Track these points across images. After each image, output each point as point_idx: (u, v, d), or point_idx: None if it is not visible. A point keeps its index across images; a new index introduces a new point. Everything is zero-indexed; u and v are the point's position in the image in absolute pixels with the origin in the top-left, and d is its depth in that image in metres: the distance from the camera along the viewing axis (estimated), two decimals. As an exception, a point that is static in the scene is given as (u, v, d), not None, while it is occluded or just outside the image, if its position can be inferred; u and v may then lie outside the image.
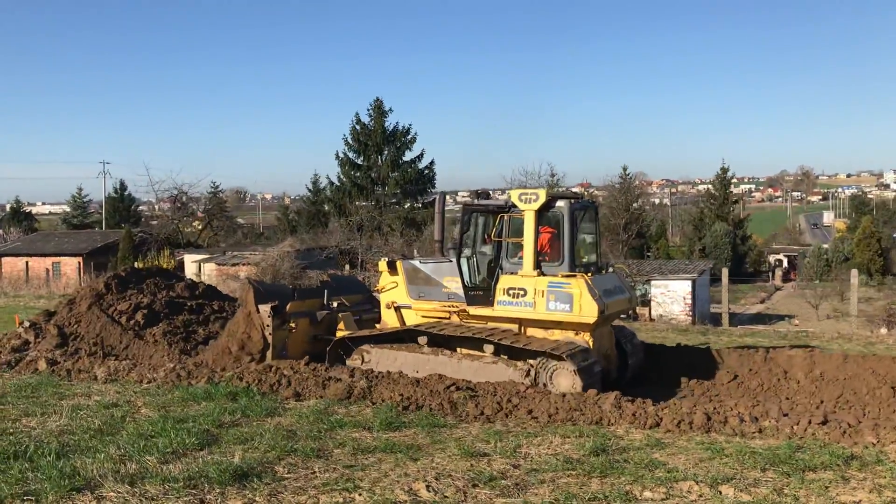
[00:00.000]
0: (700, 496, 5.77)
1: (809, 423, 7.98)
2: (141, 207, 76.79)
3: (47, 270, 36.44)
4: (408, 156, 44.55)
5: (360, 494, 5.76)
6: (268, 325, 11.54)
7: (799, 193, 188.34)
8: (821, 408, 10.30)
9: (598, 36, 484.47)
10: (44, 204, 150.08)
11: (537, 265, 10.76)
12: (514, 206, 11.08)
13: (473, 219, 11.70)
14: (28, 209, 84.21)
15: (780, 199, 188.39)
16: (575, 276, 10.55)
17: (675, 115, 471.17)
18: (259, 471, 6.28)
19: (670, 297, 28.55)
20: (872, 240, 54.32)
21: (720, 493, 5.84)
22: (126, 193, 73.36)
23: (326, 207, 66.65)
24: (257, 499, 5.65)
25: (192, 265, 24.71)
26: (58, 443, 6.94)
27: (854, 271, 19.02)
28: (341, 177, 43.94)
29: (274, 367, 10.77)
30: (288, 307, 11.92)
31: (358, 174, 43.11)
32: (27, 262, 37.18)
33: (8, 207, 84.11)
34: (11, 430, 7.55)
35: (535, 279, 10.65)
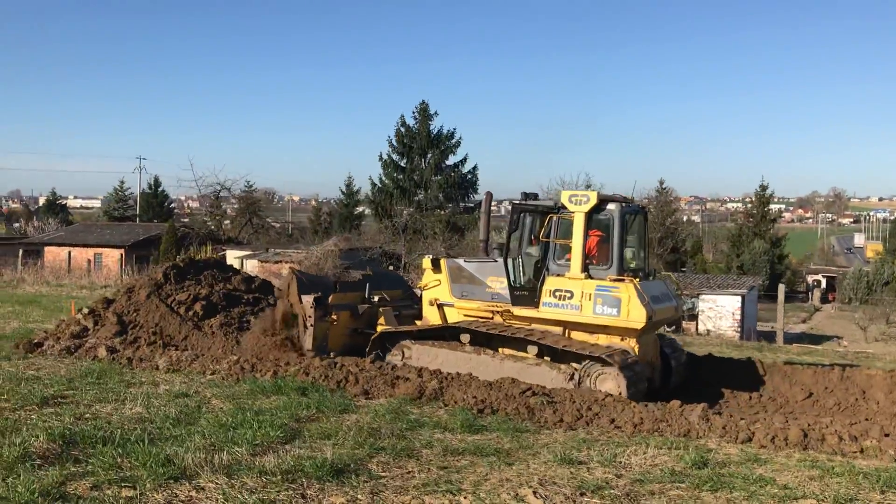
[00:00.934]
0: (825, 516, 5.42)
1: (916, 444, 7.59)
2: (172, 205, 77.37)
3: (89, 261, 36.56)
4: (451, 160, 44.37)
5: (464, 497, 5.48)
6: (310, 316, 11.48)
7: (830, 215, 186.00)
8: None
9: (638, 50, 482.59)
10: (76, 198, 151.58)
11: (585, 268, 10.60)
12: (564, 207, 10.91)
13: (522, 219, 11.54)
14: (62, 202, 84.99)
15: (811, 219, 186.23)
16: (623, 280, 10.34)
17: (706, 132, 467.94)
18: (353, 468, 6.03)
19: (718, 311, 28.06)
20: (915, 263, 53.21)
21: (844, 514, 5.50)
22: (160, 189, 73.92)
23: (360, 209, 66.85)
24: (359, 497, 5.39)
25: (235, 261, 24.57)
26: (140, 430, 6.72)
27: (917, 293, 18.46)
28: (383, 178, 43.80)
29: (339, 363, 10.57)
30: (330, 299, 11.84)
31: (401, 176, 42.91)
32: (70, 252, 37.38)
33: (42, 200, 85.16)
34: (88, 416, 7.36)
35: (583, 282, 10.49)
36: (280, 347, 11.55)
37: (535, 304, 10.82)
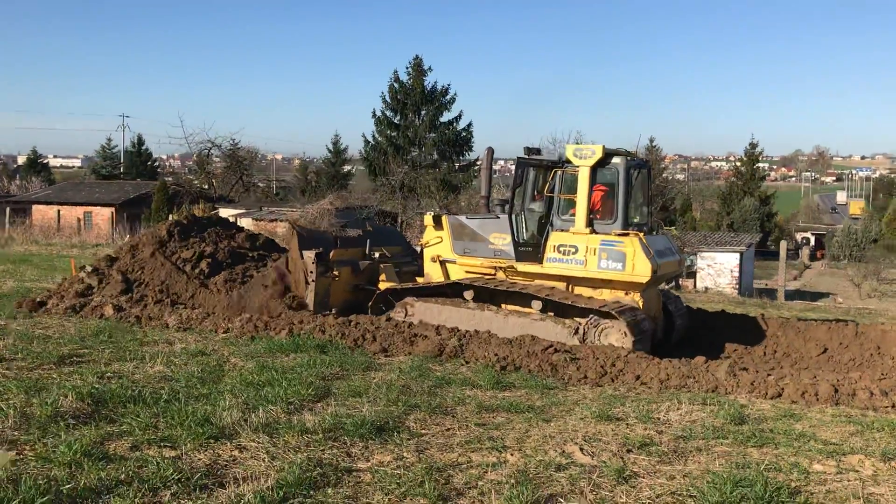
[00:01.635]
0: (877, 470, 5.34)
1: (947, 398, 7.54)
2: (155, 163, 76.46)
3: (79, 220, 35.99)
4: (445, 117, 43.53)
5: (511, 454, 5.36)
6: (311, 272, 11.35)
7: (813, 174, 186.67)
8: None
9: (629, 11, 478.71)
10: (55, 157, 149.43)
11: (589, 223, 10.53)
12: (569, 161, 10.78)
13: (525, 174, 11.38)
14: (44, 161, 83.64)
15: (794, 178, 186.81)
16: (628, 234, 10.27)
17: (690, 91, 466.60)
18: (392, 425, 5.89)
19: (717, 269, 28.05)
20: (902, 221, 53.54)
21: (895, 468, 5.42)
22: (144, 148, 72.96)
23: (347, 168, 66.22)
24: (405, 454, 5.25)
25: (224, 218, 24.26)
26: (168, 389, 6.54)
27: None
28: (376, 136, 43.14)
29: (354, 321, 10.43)
30: (332, 255, 11.72)
31: (394, 134, 42.24)
32: (59, 211, 36.75)
33: (21, 159, 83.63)
34: (110, 374, 7.16)
35: (588, 237, 10.42)
36: (280, 304, 11.42)
37: (540, 260, 10.75)
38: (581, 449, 5.52)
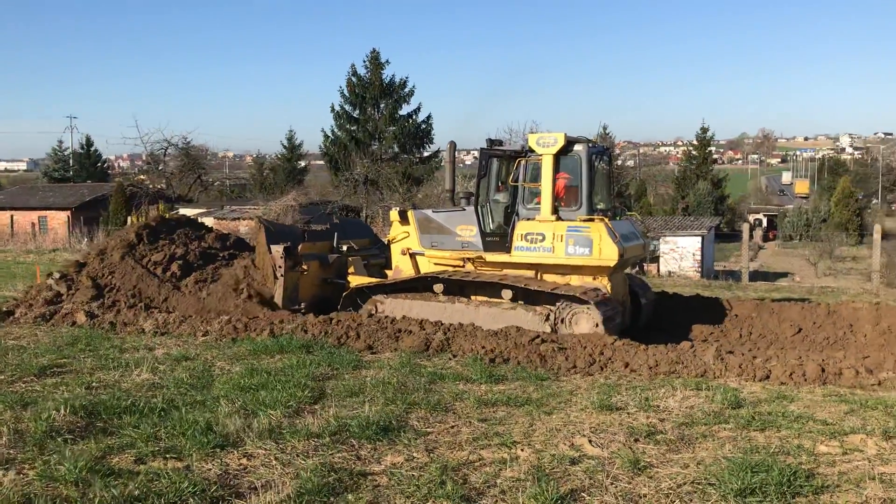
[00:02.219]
0: (881, 450, 5.42)
1: (930, 374, 7.70)
2: (106, 164, 74.88)
3: (33, 224, 35.01)
4: (405, 110, 43.44)
5: (521, 450, 5.32)
6: (280, 266, 11.25)
7: (758, 156, 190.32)
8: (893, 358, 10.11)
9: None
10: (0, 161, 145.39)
11: (555, 210, 10.65)
12: (532, 150, 10.88)
13: (489, 165, 11.43)
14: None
15: (741, 160, 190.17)
16: (594, 220, 10.42)
17: (638, 78, 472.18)
18: (396, 425, 5.81)
19: (680, 252, 28.39)
20: (851, 200, 54.86)
21: (898, 446, 5.50)
22: (93, 149, 71.39)
23: (303, 163, 65.59)
24: (416, 455, 5.19)
25: (191, 217, 23.80)
26: (162, 397, 6.38)
27: (878, 227, 18.85)
28: (336, 130, 42.74)
29: (335, 318, 10.31)
30: (300, 248, 11.64)
31: (354, 128, 41.89)
32: (12, 216, 35.68)
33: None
34: (97, 385, 6.96)
35: (554, 224, 10.53)
36: (247, 301, 11.31)
37: (507, 249, 10.82)
38: (590, 441, 5.51)
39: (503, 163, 11.47)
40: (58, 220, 35.16)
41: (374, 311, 11.14)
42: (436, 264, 11.51)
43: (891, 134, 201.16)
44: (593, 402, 6.60)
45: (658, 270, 27.10)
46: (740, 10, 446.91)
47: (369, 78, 42.37)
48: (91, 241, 26.99)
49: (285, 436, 5.41)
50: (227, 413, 5.82)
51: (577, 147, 10.72)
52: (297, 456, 5.04)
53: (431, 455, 5.20)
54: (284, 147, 64.66)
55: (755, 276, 31.36)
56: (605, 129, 63.90)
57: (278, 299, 11.28)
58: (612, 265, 10.27)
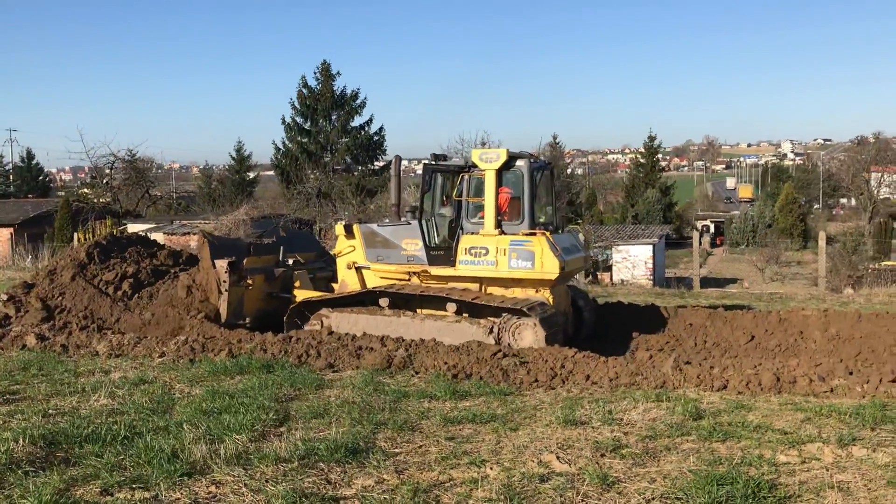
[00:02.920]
0: (837, 457, 5.57)
1: (881, 381, 7.93)
2: (48, 178, 73.33)
3: (-25, 243, 34.02)
4: (357, 121, 43.35)
5: (491, 468, 5.36)
6: (224, 281, 11.21)
7: (704, 162, 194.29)
8: (843, 365, 10.40)
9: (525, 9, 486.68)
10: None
11: (498, 224, 10.86)
12: (475, 165, 11.09)
13: (433, 180, 11.61)
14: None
15: (686, 167, 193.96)
16: (535, 234, 10.64)
17: (585, 87, 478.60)
18: (364, 447, 5.80)
19: (632, 261, 28.84)
20: (794, 206, 56.29)
21: (852, 454, 5.67)
22: (34, 163, 69.78)
23: (251, 174, 64.91)
24: (386, 477, 5.18)
25: (140, 234, 23.38)
26: (122, 424, 6.25)
27: (822, 234, 19.44)
28: (287, 142, 42.42)
29: (295, 336, 10.25)
30: (245, 262, 11.62)
31: (306, 140, 41.67)
32: (-49, 234, 34.61)
33: None
34: (54, 412, 6.80)
35: (497, 238, 10.74)
36: (189, 318, 11.23)
37: (452, 263, 10.99)
38: (557, 457, 5.56)
39: (447, 177, 11.65)
40: (1, 237, 34.22)
41: (320, 327, 11.13)
42: (381, 278, 11.56)
43: (830, 140, 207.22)
44: (558, 417, 6.67)
45: (611, 279, 27.49)
46: (684, 18, 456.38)
47: (320, 90, 42.23)
48: (36, 258, 26.32)
49: (253, 461, 5.36)
50: (192, 439, 5.74)
51: (519, 162, 10.98)
52: (267, 482, 4.99)
53: (401, 476, 5.20)
54: (233, 158, 63.94)
55: (705, 282, 31.98)
56: (554, 138, 64.73)
57: (223, 314, 11.24)
58: (553, 278, 10.52)
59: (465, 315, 10.68)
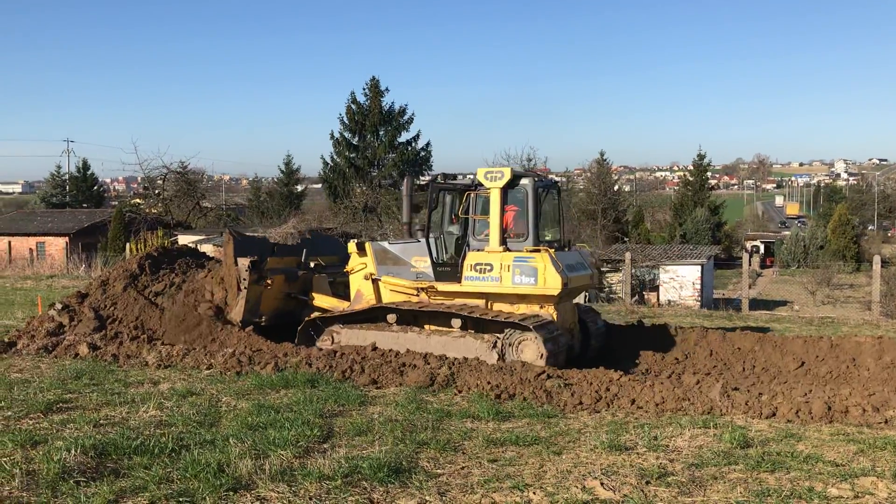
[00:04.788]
0: (892, 493, 5.42)
1: (937, 412, 7.69)
2: (102, 188, 75.11)
3: (31, 250, 34.96)
4: (404, 137, 43.94)
5: (533, 493, 5.32)
6: (244, 279, 11.48)
7: (754, 181, 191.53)
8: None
9: (582, 26, 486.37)
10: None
11: (503, 241, 11.05)
12: (481, 184, 11.29)
13: (441, 198, 11.85)
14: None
15: (736, 186, 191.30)
16: (539, 250, 10.80)
17: (634, 102, 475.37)
18: (407, 466, 5.81)
19: (679, 282, 28.48)
20: (847, 227, 55.07)
21: (909, 489, 5.50)
22: (90, 173, 71.52)
23: (300, 188, 65.70)
24: (429, 498, 5.18)
25: (190, 246, 23.79)
26: (170, 436, 6.36)
27: (877, 257, 18.95)
28: (335, 157, 43.00)
29: (339, 352, 10.32)
30: (267, 262, 11.86)
31: (353, 155, 42.19)
32: (10, 242, 35.67)
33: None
34: (104, 422, 6.95)
35: (501, 255, 10.94)
36: (205, 318, 11.60)
37: (458, 279, 11.16)
38: (602, 483, 5.50)
39: (455, 196, 11.84)
40: (55, 245, 35.17)
41: (331, 342, 11.35)
42: (392, 291, 11.78)
43: (885, 160, 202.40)
44: (602, 442, 6.60)
45: (658, 300, 27.15)
46: (737, 35, 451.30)
47: (369, 105, 42.70)
48: (89, 267, 26.94)
49: (297, 478, 5.40)
50: (238, 454, 5.81)
51: (524, 181, 11.21)
52: (311, 499, 5.03)
53: (444, 498, 5.19)
54: (282, 172, 64.80)
55: (754, 304, 31.42)
56: (602, 154, 64.36)
57: (239, 311, 11.52)
58: (555, 294, 10.64)
59: (471, 330, 10.88)
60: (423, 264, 11.42)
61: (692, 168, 67.57)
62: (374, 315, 11.50)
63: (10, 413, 7.22)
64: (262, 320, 11.69)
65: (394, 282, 11.64)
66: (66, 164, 73.13)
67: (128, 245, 26.19)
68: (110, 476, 5.35)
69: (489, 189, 11.11)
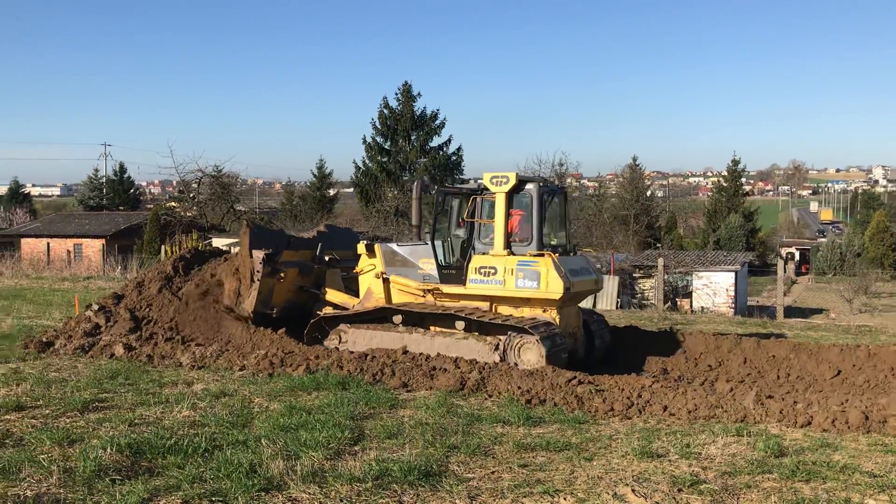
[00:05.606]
0: (930, 505, 5.31)
1: (979, 424, 7.53)
2: (138, 192, 76.21)
3: (69, 252, 35.61)
4: (436, 141, 44.15)
5: (564, 499, 5.30)
6: (258, 271, 11.62)
7: (789, 187, 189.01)
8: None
9: (607, 29, 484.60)
10: (34, 186, 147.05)
11: (507, 245, 11.18)
12: (486, 188, 11.40)
13: (448, 201, 11.98)
14: (25, 191, 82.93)
15: (771, 192, 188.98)
16: (542, 255, 10.90)
17: (667, 107, 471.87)
18: (437, 470, 5.81)
19: (713, 288, 28.19)
20: (886, 234, 54.13)
21: (948, 501, 5.39)
22: (126, 176, 72.59)
23: (332, 192, 66.07)
24: (458, 502, 5.18)
25: (223, 249, 24.01)
26: (203, 436, 6.43)
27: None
28: (367, 162, 43.34)
29: (370, 355, 10.36)
30: (282, 255, 12.01)
31: (385, 159, 42.51)
32: (48, 244, 36.35)
33: (1, 189, 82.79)
34: (139, 421, 7.04)
35: (505, 258, 11.07)
36: (216, 312, 11.93)
37: (463, 282, 11.31)
38: (633, 490, 5.47)
39: (462, 199, 11.93)
40: (92, 247, 35.76)
41: (338, 342, 11.60)
42: (400, 291, 11.96)
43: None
44: (634, 449, 6.55)
45: (691, 306, 26.87)
46: (771, 39, 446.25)
47: (401, 110, 42.92)
48: (125, 269, 27.32)
49: (328, 480, 5.43)
50: (270, 455, 5.86)
51: (529, 186, 11.32)
52: (341, 501, 5.05)
53: (474, 502, 5.19)
54: (315, 176, 65.15)
55: (789, 311, 30.98)
56: (634, 160, 63.98)
57: (250, 302, 11.64)
58: (557, 298, 10.73)
59: (475, 332, 11.00)
60: (430, 266, 11.58)
61: (726, 174, 66.93)
62: (380, 316, 11.70)
63: (47, 411, 7.36)
64: (273, 312, 11.86)
65: (402, 282, 11.83)
66: (103, 167, 74.30)
67: (163, 247, 26.54)
68: (144, 475, 5.42)
69: (495, 193, 11.24)
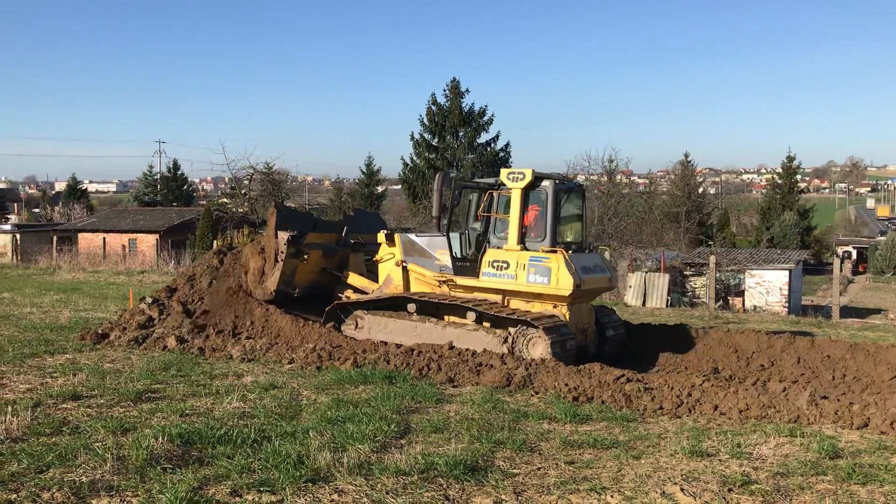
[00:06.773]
0: None
1: None
2: (191, 188, 77.54)
3: (123, 247, 36.43)
4: (483, 138, 44.07)
5: (611, 496, 5.24)
6: (282, 252, 11.91)
7: (846, 185, 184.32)
8: None
9: (659, 23, 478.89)
10: (91, 182, 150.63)
11: (521, 240, 11.23)
12: (503, 184, 11.47)
13: (465, 195, 12.10)
14: (82, 187, 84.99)
15: (828, 189, 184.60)
16: (555, 251, 10.91)
17: (720, 103, 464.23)
18: (482, 465, 5.80)
19: (766, 287, 27.64)
20: (948, 233, 52.44)
21: None
22: (179, 173, 73.85)
23: (381, 188, 66.41)
24: (504, 497, 5.16)
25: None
26: (252, 427, 6.51)
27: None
28: (415, 158, 43.56)
29: (417, 350, 10.38)
30: (307, 238, 12.24)
31: (433, 156, 42.67)
32: (104, 239, 37.28)
33: (59, 185, 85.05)
34: (190, 412, 7.17)
35: (518, 253, 11.12)
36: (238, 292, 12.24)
37: (476, 274, 11.39)
38: (682, 489, 5.38)
39: (480, 194, 12.01)
40: (147, 242, 36.52)
41: (355, 328, 11.88)
42: (416, 280, 12.12)
43: None
44: (683, 448, 6.45)
45: (743, 305, 26.37)
46: (827, 34, 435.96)
47: (449, 107, 42.96)
48: (178, 263, 27.81)
49: (374, 472, 5.46)
50: (318, 446, 5.92)
51: (545, 182, 11.34)
52: (388, 494, 5.07)
53: (520, 498, 5.16)
54: (363, 172, 65.52)
55: (845, 311, 30.25)
56: (686, 156, 63.06)
57: (273, 281, 11.93)
58: (567, 294, 10.73)
59: (486, 324, 11.12)
60: (447, 257, 11.70)
61: (781, 171, 65.54)
62: (396, 304, 11.86)
63: (102, 401, 7.54)
64: (295, 292, 12.13)
65: (419, 271, 11.98)
66: (157, 164, 75.78)
67: (215, 242, 26.99)
68: (195, 464, 5.52)
69: (511, 189, 11.27)
